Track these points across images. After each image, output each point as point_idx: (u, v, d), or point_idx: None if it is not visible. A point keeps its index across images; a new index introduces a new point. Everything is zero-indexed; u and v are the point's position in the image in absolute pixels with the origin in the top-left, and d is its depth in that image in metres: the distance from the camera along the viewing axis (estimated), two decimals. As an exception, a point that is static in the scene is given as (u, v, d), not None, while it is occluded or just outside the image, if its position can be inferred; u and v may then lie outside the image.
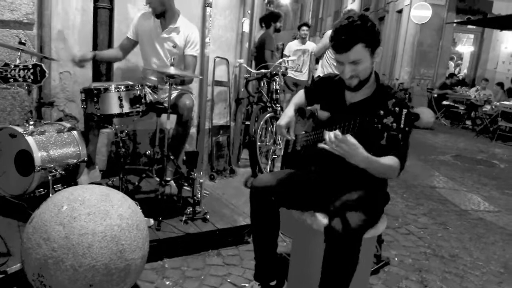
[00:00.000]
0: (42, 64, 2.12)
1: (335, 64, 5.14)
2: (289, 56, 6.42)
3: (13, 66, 2.06)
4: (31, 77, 2.10)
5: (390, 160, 1.79)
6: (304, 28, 6.90)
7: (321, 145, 1.72)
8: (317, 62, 6.24)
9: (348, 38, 1.77)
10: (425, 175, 5.41)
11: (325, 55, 5.42)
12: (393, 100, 1.58)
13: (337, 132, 1.65)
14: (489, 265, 2.94)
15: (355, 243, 1.70)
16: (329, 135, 1.67)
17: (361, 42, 1.78)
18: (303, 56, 6.82)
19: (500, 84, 10.77)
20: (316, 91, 2.21)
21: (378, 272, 2.66)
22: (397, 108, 1.55)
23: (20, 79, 2.08)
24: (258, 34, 5.79)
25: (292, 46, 6.99)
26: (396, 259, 2.89)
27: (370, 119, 1.57)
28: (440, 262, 2.92)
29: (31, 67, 2.09)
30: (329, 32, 5.63)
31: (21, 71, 2.07)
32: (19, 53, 2.33)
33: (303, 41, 6.90)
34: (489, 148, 8.01)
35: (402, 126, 1.54)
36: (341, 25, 1.79)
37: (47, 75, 2.13)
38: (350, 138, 1.64)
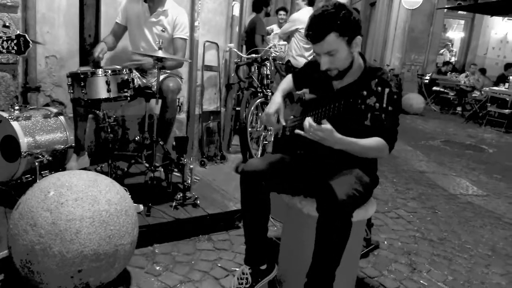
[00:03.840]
0: (26, 35, 2.07)
1: (306, 46, 5.11)
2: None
3: None
4: (15, 48, 2.06)
5: (372, 141, 1.79)
6: (282, 12, 6.87)
7: (298, 131, 1.78)
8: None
9: (320, 27, 1.75)
10: (414, 160, 5.45)
11: (294, 39, 5.35)
12: (376, 80, 1.57)
13: (311, 121, 1.70)
14: (477, 248, 2.98)
15: (345, 211, 1.70)
16: (305, 123, 1.71)
17: (334, 31, 1.74)
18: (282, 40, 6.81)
19: (481, 70, 10.84)
20: (304, 76, 2.19)
21: (367, 256, 2.68)
22: (379, 88, 1.55)
23: (3, 50, 2.04)
24: (248, 18, 5.73)
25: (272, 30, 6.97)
26: (385, 242, 2.91)
27: (354, 100, 1.57)
28: (428, 245, 2.95)
29: (14, 37, 2.05)
30: (294, 16, 5.60)
31: (5, 42, 2.03)
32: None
33: (281, 26, 6.88)
34: (478, 133, 8.08)
35: (384, 105, 1.54)
36: (314, 14, 1.78)
37: (31, 45, 2.09)
38: (324, 125, 1.68)
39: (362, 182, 1.87)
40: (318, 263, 1.80)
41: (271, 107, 2.12)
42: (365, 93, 1.55)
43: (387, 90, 1.54)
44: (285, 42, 6.46)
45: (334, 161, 1.92)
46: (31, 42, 2.09)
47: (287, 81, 2.26)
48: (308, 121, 1.71)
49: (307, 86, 2.18)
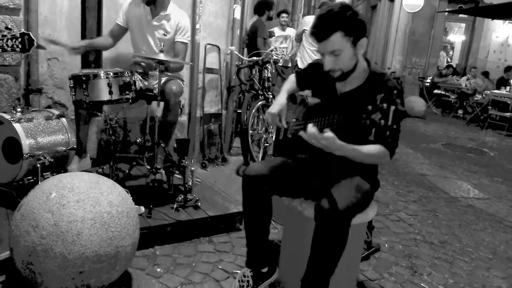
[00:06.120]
0: (30, 33, 2.08)
1: (313, 55, 5.16)
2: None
3: (0, 36, 2.03)
4: (19, 46, 2.07)
5: (373, 148, 1.77)
6: (284, 15, 6.90)
7: (302, 133, 1.75)
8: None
9: (326, 26, 1.75)
10: (415, 162, 5.45)
11: (303, 47, 5.42)
12: (382, 94, 1.55)
13: (314, 130, 1.67)
14: (478, 251, 2.98)
15: (343, 223, 1.70)
16: (308, 131, 1.69)
17: (340, 30, 1.74)
18: (285, 42, 6.83)
19: (485, 73, 10.84)
20: (307, 77, 2.18)
21: (368, 258, 2.68)
22: (385, 105, 1.51)
23: (8, 48, 2.05)
24: (250, 21, 5.75)
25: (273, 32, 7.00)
26: (386, 245, 2.91)
27: (359, 113, 1.55)
28: (429, 248, 2.95)
29: (18, 36, 2.06)
30: (306, 18, 5.64)
31: (9, 41, 2.04)
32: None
33: (283, 28, 6.89)
34: (480, 136, 8.08)
35: (390, 123, 1.51)
36: (321, 14, 1.79)
37: (35, 43, 2.09)
38: (326, 133, 1.65)
39: (362, 190, 1.86)
40: (313, 270, 1.81)
41: (275, 107, 2.11)
42: (370, 107, 1.52)
43: (393, 107, 1.51)
44: (286, 46, 6.49)
45: (335, 166, 1.92)
46: (35, 40, 2.10)
47: (290, 82, 2.25)
48: (311, 129, 1.70)
49: (310, 87, 2.18)
